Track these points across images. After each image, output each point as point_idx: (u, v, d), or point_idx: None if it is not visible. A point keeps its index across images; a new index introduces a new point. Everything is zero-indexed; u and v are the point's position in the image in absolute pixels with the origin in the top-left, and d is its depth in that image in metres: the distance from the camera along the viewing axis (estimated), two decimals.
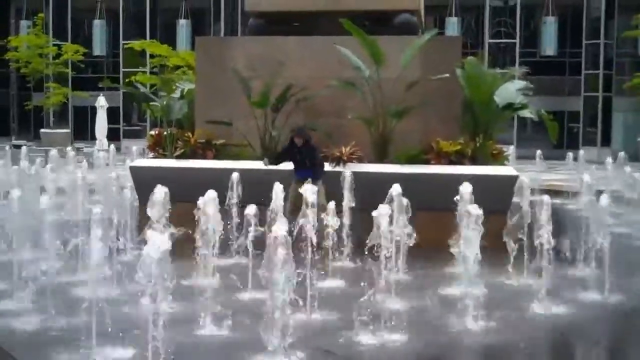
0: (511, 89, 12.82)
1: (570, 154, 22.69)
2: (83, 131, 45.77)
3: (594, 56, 44.22)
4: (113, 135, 40.24)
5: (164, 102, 13.48)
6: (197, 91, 13.71)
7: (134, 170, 12.37)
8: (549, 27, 44.88)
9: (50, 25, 48.08)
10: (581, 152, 22.91)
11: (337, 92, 12.72)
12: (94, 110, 38.00)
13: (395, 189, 8.76)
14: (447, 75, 12.10)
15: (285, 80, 12.58)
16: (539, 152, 22.20)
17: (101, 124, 35.77)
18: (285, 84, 12.57)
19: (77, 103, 48.13)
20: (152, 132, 14.18)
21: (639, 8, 41.68)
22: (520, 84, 13.28)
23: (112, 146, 23.88)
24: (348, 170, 11.25)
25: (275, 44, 13.37)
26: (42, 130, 42.11)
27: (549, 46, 44.80)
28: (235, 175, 10.63)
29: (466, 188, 8.80)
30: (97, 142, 34.82)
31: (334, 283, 9.07)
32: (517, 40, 44.82)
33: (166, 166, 12.00)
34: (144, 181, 11.01)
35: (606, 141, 42.85)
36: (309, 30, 13.75)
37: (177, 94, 14.23)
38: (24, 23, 50.41)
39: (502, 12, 45.43)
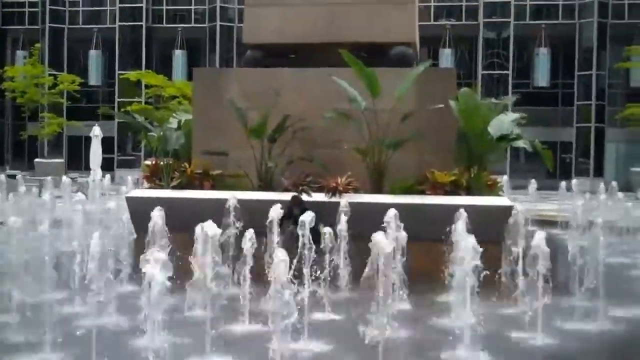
0: (505, 121, 12.95)
1: (563, 184, 22.88)
2: (77, 161, 45.85)
3: (586, 87, 44.70)
4: (107, 165, 40.28)
5: (161, 133, 13.57)
6: (194, 122, 13.82)
7: (130, 201, 12.42)
8: (542, 59, 45.42)
9: (46, 56, 48.36)
10: (574, 181, 23.10)
11: (333, 123, 12.82)
12: (88, 140, 38.07)
13: (390, 213, 8.81)
14: (442, 105, 12.23)
15: (282, 111, 12.69)
16: (532, 182, 22.36)
17: (96, 154, 35.71)
18: (281, 115, 12.69)
19: (71, 133, 48.31)
20: (148, 162, 14.23)
21: (630, 39, 42.26)
22: (513, 115, 13.43)
23: (108, 176, 23.90)
24: (344, 201, 11.31)
25: (272, 75, 13.51)
26: (36, 160, 42.18)
27: (541, 77, 45.32)
28: (232, 201, 10.68)
29: (462, 217, 8.87)
30: (91, 171, 34.79)
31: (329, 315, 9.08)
32: (510, 72, 45.28)
33: (163, 196, 12.04)
34: (140, 211, 11.06)
35: (599, 171, 43.16)
36: (306, 62, 13.90)
37: (174, 125, 14.32)
38: (20, 53, 50.78)
39: (495, 43, 45.95)
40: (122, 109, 45.44)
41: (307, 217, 8.76)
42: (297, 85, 13.36)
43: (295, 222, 11.24)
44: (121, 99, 48.10)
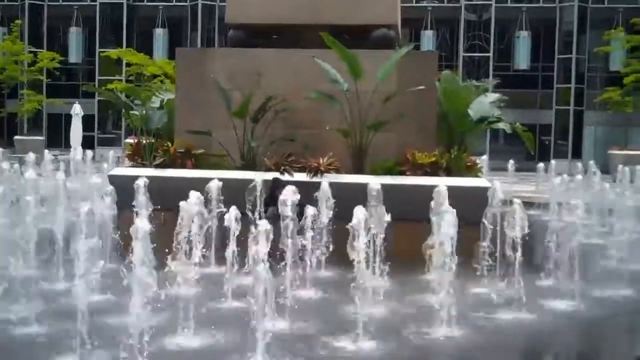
0: (485, 102, 13.15)
1: (541, 165, 23.17)
2: (57, 138, 45.61)
3: (566, 70, 45.06)
4: (87, 143, 40.17)
5: (144, 112, 13.62)
6: (177, 101, 13.88)
7: (113, 179, 12.49)
8: (522, 41, 45.70)
9: (25, 32, 47.93)
10: (552, 162, 23.40)
11: (315, 104, 12.94)
12: (68, 117, 37.95)
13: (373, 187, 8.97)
14: (423, 87, 12.38)
15: (265, 92, 12.78)
16: (511, 163, 22.63)
17: (76, 132, 35.70)
18: (264, 96, 12.78)
19: (51, 110, 48.02)
20: (130, 140, 14.28)
21: (610, 24, 42.58)
22: (493, 96, 13.62)
23: (90, 152, 23.84)
24: (325, 181, 11.45)
25: (255, 56, 13.59)
26: (16, 137, 41.97)
27: (522, 60, 45.64)
28: (215, 183, 10.79)
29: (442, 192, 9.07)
30: (71, 149, 34.71)
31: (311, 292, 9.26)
32: (491, 54, 45.51)
33: (146, 175, 12.09)
34: (122, 189, 11.16)
35: (577, 154, 43.62)
36: (289, 43, 13.98)
37: (156, 104, 14.37)
38: None
39: (477, 26, 46.13)
40: (104, 87, 45.28)
41: (290, 192, 8.90)
42: (280, 66, 13.44)
43: (269, 204, 11.45)
44: (102, 77, 47.84)
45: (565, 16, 44.95)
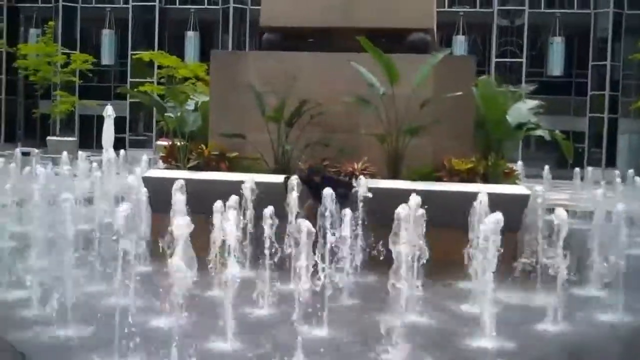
0: (523, 109, 12.92)
1: (577, 171, 22.78)
2: (89, 140, 45.94)
3: (600, 77, 44.51)
4: (119, 145, 40.41)
5: (178, 114, 13.58)
6: (211, 104, 13.81)
7: (148, 181, 12.44)
8: (556, 48, 45.25)
9: (59, 34, 48.39)
10: (589, 169, 23.04)
11: (350, 109, 12.81)
12: (100, 119, 38.19)
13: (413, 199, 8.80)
14: (461, 93, 12.18)
15: (299, 95, 12.67)
16: (546, 169, 22.31)
17: (108, 133, 35.84)
18: (298, 99, 12.67)
19: (83, 112, 48.42)
20: (161, 142, 14.28)
21: None
22: (532, 103, 13.37)
23: (123, 153, 23.87)
24: (361, 186, 11.30)
25: (290, 59, 13.47)
26: (48, 138, 42.32)
27: (555, 66, 45.16)
28: (248, 185, 10.70)
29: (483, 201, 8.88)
30: (103, 151, 34.90)
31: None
32: (524, 60, 45.08)
33: (181, 177, 12.03)
34: (157, 191, 11.10)
35: (611, 162, 43.01)
36: (323, 46, 13.86)
37: (191, 106, 14.33)
38: (33, 31, 50.84)
39: (509, 31, 45.75)
40: (135, 89, 45.58)
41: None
42: (315, 69, 13.32)
43: (317, 193, 11.27)
44: (133, 79, 48.14)
45: (600, 22, 44.42)
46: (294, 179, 10.93)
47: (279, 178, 11.98)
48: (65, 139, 41.48)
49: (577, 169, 24.25)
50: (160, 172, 13.20)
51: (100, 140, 36.74)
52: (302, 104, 12.69)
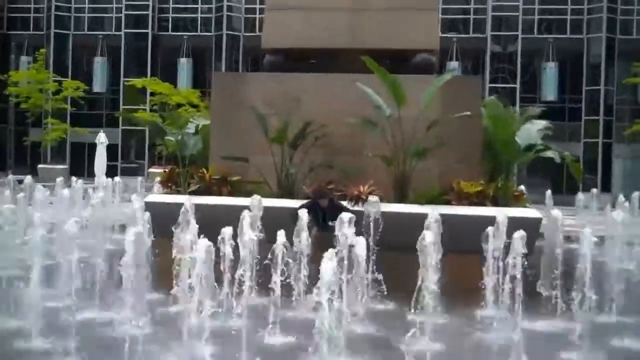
0: (532, 130, 12.65)
1: (581, 197, 22.55)
2: (80, 168, 45.39)
3: (594, 102, 44.48)
4: (111, 172, 39.95)
5: (179, 137, 13.24)
6: (212, 127, 13.48)
7: (150, 206, 12.05)
8: (549, 73, 45.23)
9: (50, 61, 48.10)
10: (594, 191, 22.78)
11: (355, 130, 12.52)
12: (91, 147, 37.81)
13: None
14: (469, 113, 11.90)
15: (303, 117, 12.38)
16: (548, 194, 22.05)
17: (101, 161, 35.48)
18: (302, 121, 12.37)
19: (74, 139, 48.00)
20: (154, 170, 13.97)
21: (638, 54, 42.06)
22: (540, 124, 13.10)
23: (118, 180, 23.37)
24: (373, 208, 10.97)
25: (293, 80, 13.20)
26: (39, 165, 41.84)
27: (549, 92, 45.09)
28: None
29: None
30: (96, 178, 34.45)
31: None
32: (518, 85, 45.05)
33: (183, 202, 11.66)
34: (159, 216, 10.70)
35: (606, 187, 42.81)
36: (326, 68, 13.60)
37: (191, 130, 14.01)
38: (24, 59, 50.52)
39: (503, 57, 45.75)
40: (117, 115, 45.27)
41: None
42: (318, 91, 13.05)
43: (324, 218, 10.93)
44: (125, 106, 47.86)
45: (593, 47, 44.51)
46: (303, 212, 10.49)
47: (286, 202, 11.65)
48: (57, 166, 40.99)
49: (580, 194, 23.91)
50: (162, 196, 12.81)
51: (91, 168, 36.36)
52: (307, 126, 12.38)
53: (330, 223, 10.24)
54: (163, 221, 10.14)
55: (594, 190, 23.71)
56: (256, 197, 10.79)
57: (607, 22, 43.92)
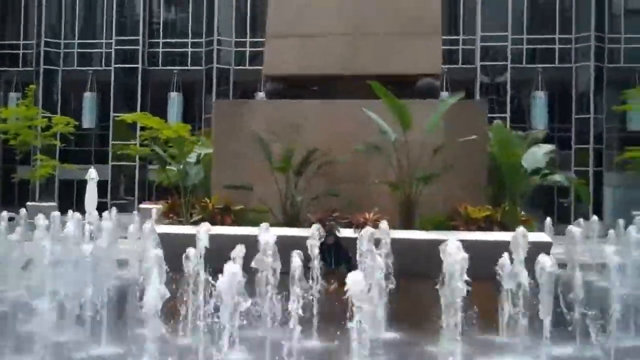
0: (538, 153, 12.53)
1: (572, 228, 22.34)
2: (68, 205, 44.84)
3: (583, 131, 44.59)
4: (100, 209, 39.53)
5: (181, 167, 13.05)
6: (214, 155, 13.29)
7: (162, 237, 11.77)
8: (539, 102, 45.39)
9: (40, 97, 47.84)
10: (594, 217, 22.58)
11: (358, 157, 12.39)
12: (80, 183, 37.49)
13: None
14: (475, 137, 11.80)
15: (306, 144, 12.23)
16: (547, 222, 21.88)
17: (91, 197, 35.19)
18: (305, 148, 12.22)
19: (63, 176, 47.59)
20: (145, 206, 13.76)
21: (627, 83, 42.33)
22: (546, 147, 12.99)
23: (114, 216, 22.97)
24: (385, 235, 10.79)
25: (295, 107, 13.08)
26: (28, 203, 41.31)
27: (539, 121, 45.16)
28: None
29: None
30: (86, 214, 34.04)
31: None
32: (508, 115, 45.14)
33: (190, 233, 11.35)
34: (171, 247, 10.39)
35: (597, 216, 42.70)
36: (327, 94, 13.52)
37: (193, 159, 13.81)
38: (13, 95, 50.23)
39: (492, 87, 45.92)
40: (119, 152, 44.92)
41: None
42: (321, 117, 12.93)
43: (329, 252, 10.82)
44: (115, 142, 47.61)
45: (581, 76, 44.75)
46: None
47: (292, 231, 11.45)
48: (45, 204, 40.53)
49: (580, 220, 23.67)
50: (170, 227, 12.45)
51: (80, 205, 35.96)
52: (311, 153, 12.22)
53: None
54: (174, 252, 9.80)
55: (581, 221, 23.24)
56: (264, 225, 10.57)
57: (595, 51, 44.23)
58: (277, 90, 13.81)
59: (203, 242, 9.23)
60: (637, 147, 38.44)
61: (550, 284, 6.86)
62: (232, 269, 5.12)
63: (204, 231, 9.22)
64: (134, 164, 47.36)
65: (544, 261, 6.91)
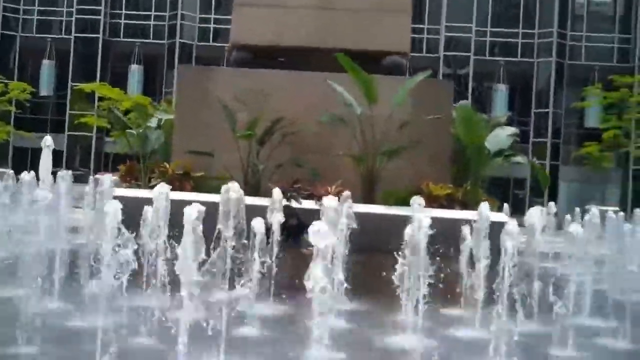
0: (502, 135, 12.61)
1: (532, 210, 22.58)
2: (22, 172, 44.13)
3: (542, 125, 45.19)
4: (54, 179, 38.92)
5: (140, 131, 12.83)
6: (176, 121, 13.08)
7: (120, 200, 11.51)
8: (500, 95, 45.86)
9: None
10: (552, 203, 22.85)
11: (324, 129, 12.29)
12: (34, 152, 36.67)
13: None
14: (441, 115, 11.82)
15: (272, 114, 12.10)
16: (506, 207, 22.08)
17: (46, 164, 34.35)
18: (270, 117, 12.09)
19: (17, 144, 46.75)
20: (99, 176, 13.53)
21: (586, 81, 43.01)
22: (510, 129, 13.09)
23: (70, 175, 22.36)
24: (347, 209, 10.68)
25: (262, 76, 12.92)
26: None
27: (499, 113, 45.52)
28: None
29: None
30: (40, 182, 33.39)
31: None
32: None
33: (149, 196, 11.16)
34: (129, 210, 10.19)
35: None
36: (294, 66, 13.37)
37: (153, 124, 13.59)
38: None
39: (455, 78, 46.20)
40: (76, 121, 44.20)
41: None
42: (288, 88, 12.78)
43: (288, 233, 10.70)
44: (72, 112, 46.83)
45: (543, 71, 45.31)
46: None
47: (253, 200, 11.30)
48: None
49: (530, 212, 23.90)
50: (129, 191, 12.23)
51: (35, 172, 35.30)
52: (276, 122, 12.09)
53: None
54: (133, 215, 9.62)
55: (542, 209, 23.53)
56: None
57: (557, 47, 44.79)
58: (244, 59, 13.62)
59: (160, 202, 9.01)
60: (594, 143, 39.12)
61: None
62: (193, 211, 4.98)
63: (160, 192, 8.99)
64: (90, 134, 46.67)
65: (510, 228, 6.90)
